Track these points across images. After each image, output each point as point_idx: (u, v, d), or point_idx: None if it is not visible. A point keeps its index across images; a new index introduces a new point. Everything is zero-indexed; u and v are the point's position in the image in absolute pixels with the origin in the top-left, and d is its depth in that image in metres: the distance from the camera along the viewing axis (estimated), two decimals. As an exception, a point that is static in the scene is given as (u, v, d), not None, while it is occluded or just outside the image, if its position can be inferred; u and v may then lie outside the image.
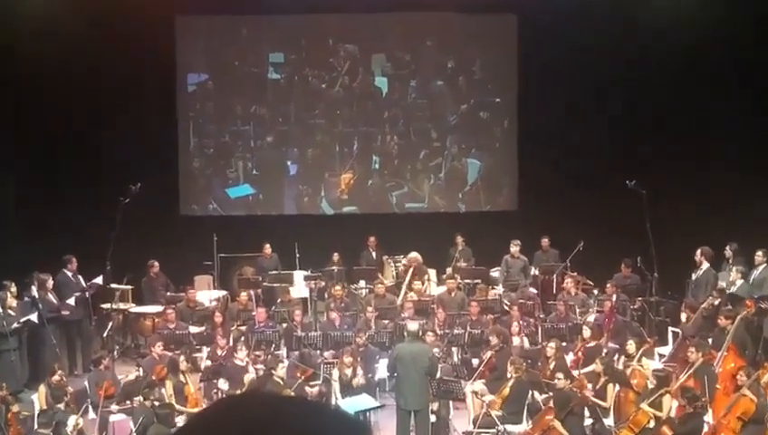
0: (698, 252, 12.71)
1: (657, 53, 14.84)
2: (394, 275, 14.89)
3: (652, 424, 9.26)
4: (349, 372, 10.66)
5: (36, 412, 9.97)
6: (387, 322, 12.61)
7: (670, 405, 9.50)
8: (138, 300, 13.95)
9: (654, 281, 12.82)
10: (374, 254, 15.28)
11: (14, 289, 11.66)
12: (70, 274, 12.80)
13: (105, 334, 13.01)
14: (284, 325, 12.42)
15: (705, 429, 9.39)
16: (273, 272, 14.41)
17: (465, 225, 15.76)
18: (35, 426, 9.81)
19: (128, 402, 10.12)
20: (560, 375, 9.82)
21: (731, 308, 11.40)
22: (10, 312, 11.43)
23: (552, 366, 10.47)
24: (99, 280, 12.72)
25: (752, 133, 14.22)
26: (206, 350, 12.00)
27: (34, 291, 11.92)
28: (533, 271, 14.71)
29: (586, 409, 9.89)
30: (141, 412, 9.62)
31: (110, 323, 12.81)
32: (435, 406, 10.07)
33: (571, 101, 15.24)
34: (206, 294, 14.05)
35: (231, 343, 11.77)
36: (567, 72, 15.23)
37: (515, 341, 11.77)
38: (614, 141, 15.26)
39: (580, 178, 15.14)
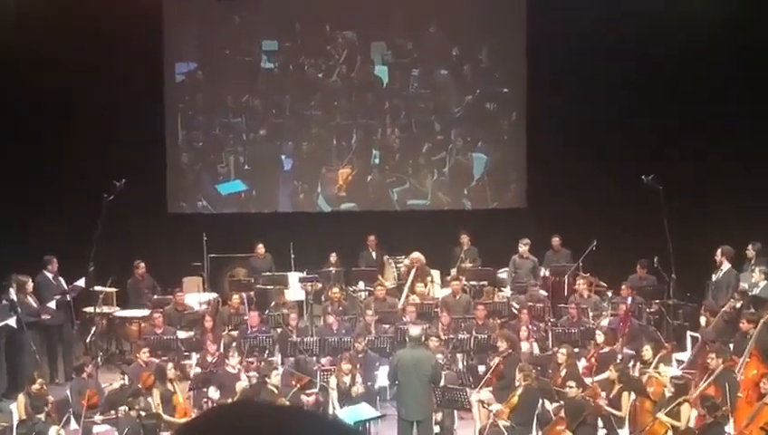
0: (719, 251, 12.70)
1: (678, 37, 14.71)
2: (395, 276, 14.90)
3: (670, 435, 9.27)
4: (347, 379, 10.67)
5: (15, 423, 9.97)
6: (387, 326, 12.62)
7: (689, 415, 9.50)
8: (122, 303, 13.96)
9: (672, 282, 12.83)
10: (374, 254, 15.29)
11: (-10, 292, 11.68)
12: (50, 275, 12.80)
13: (88, 340, 13.02)
14: (279, 330, 12.43)
15: (727, 440, 9.40)
16: (267, 273, 14.43)
17: (470, 223, 15.77)
18: (14, 437, 9.83)
19: (112, 412, 10.11)
20: (571, 383, 9.83)
21: (753, 311, 11.41)
22: (-14, 316, 11.45)
23: (563, 373, 10.48)
24: (81, 282, 12.72)
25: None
26: (195, 356, 12.00)
27: (12, 294, 11.90)
28: (543, 272, 14.72)
29: (599, 419, 9.90)
30: (126, 423, 9.62)
31: (94, 328, 12.81)
32: (438, 416, 10.09)
33: (583, 91, 15.23)
34: (195, 296, 14.06)
35: (222, 350, 11.78)
36: (579, 60, 15.21)
37: (524, 346, 11.77)
38: (630, 134, 15.24)
39: (593, 173, 15.13)
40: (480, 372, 11.23)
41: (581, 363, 11.27)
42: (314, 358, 11.62)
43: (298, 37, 16.56)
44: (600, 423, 9.93)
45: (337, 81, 16.65)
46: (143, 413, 9.71)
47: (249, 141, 16.75)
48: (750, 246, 12.96)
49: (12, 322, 11.61)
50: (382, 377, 10.97)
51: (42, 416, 9.73)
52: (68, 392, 10.58)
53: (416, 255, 14.41)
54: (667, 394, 9.74)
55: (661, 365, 10.65)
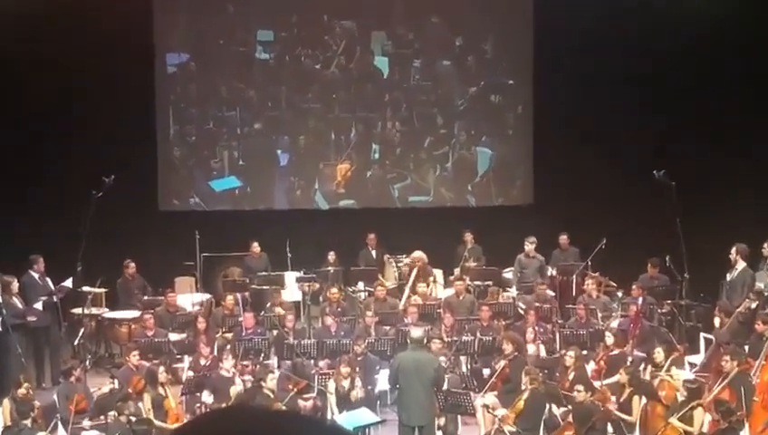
0: (734, 250, 12.71)
1: (689, 29, 14.74)
2: (396, 276, 14.90)
3: (682, 440, 9.28)
4: (346, 383, 10.68)
5: (0, 429, 9.98)
6: (388, 328, 12.63)
7: (702, 419, 9.51)
8: (112, 304, 13.97)
9: (684, 282, 12.82)
10: (374, 253, 15.30)
11: (-26, 293, 11.69)
12: (36, 275, 12.80)
13: (76, 342, 13.02)
14: (275, 332, 12.44)
15: (742, 445, 9.41)
16: (263, 273, 14.43)
17: (474, 220, 15.78)
18: (-1, 444, 9.85)
19: (101, 418, 10.14)
20: (580, 387, 9.84)
21: (770, 312, 11.42)
22: (-30, 318, 11.45)
23: (571, 377, 10.48)
24: (68, 283, 12.72)
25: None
26: (187, 359, 12.02)
27: (-3, 295, 11.93)
28: (550, 271, 14.72)
29: (609, 424, 9.91)
30: (116, 429, 9.63)
31: (82, 330, 12.80)
32: (441, 421, 10.10)
33: (592, 83, 15.23)
34: (187, 297, 14.06)
35: (216, 352, 11.79)
36: (588, 52, 15.21)
37: (531, 349, 11.79)
38: (640, 128, 15.25)
39: (602, 168, 15.13)
40: (485, 376, 11.25)
41: (590, 366, 11.28)
42: (312, 361, 11.63)
43: (295, 27, 16.55)
44: (610, 429, 9.94)
45: (335, 72, 16.64)
46: (133, 419, 9.71)
47: (244, 135, 16.74)
48: (766, 245, 12.97)
49: (-4, 324, 11.63)
50: (382, 381, 10.98)
51: (28, 422, 9.74)
52: (55, 397, 10.59)
53: (417, 254, 14.41)
54: (680, 398, 9.75)
55: (673, 368, 10.65)
